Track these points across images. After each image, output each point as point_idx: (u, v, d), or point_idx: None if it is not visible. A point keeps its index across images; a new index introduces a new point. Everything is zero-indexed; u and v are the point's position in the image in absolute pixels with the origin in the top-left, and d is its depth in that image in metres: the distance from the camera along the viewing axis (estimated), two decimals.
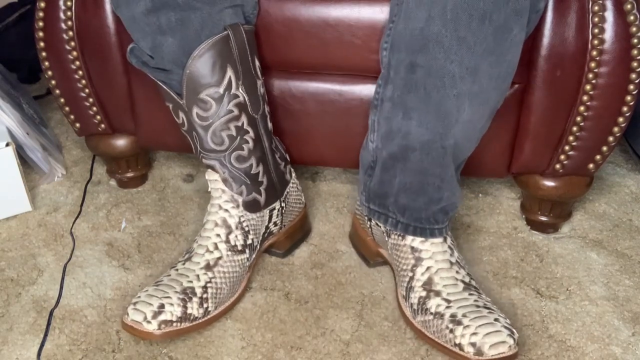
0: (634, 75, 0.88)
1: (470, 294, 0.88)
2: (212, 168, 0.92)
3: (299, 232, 1.06)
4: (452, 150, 0.84)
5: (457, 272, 0.90)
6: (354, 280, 1.00)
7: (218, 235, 0.92)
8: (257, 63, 0.91)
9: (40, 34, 1.02)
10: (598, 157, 0.97)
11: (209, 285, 0.89)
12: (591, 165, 0.99)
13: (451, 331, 0.84)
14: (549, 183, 1.03)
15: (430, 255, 0.91)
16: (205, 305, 0.89)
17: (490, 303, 0.88)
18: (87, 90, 1.06)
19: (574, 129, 0.94)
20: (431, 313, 0.87)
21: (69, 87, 1.06)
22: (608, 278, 1.00)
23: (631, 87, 0.89)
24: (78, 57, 1.03)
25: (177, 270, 0.91)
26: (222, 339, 0.90)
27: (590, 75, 0.90)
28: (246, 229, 0.94)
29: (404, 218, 0.91)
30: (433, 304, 0.87)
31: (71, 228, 1.11)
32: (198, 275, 0.90)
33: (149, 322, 0.85)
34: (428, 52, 0.78)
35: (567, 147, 0.97)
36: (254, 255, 0.97)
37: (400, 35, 0.81)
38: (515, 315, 0.93)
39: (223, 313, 0.92)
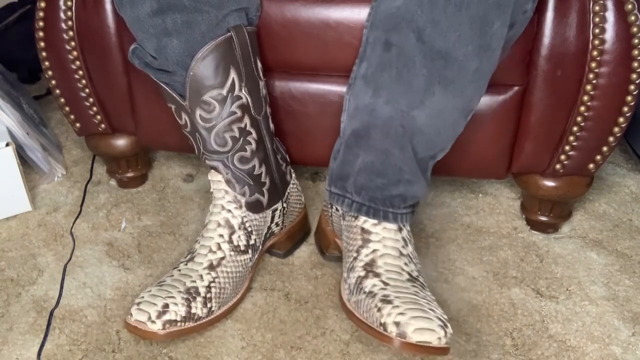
0: (634, 76, 0.88)
1: (412, 286, 0.84)
2: (215, 169, 0.92)
3: (300, 232, 1.06)
4: (413, 133, 0.83)
5: (405, 263, 0.86)
6: None
7: (221, 235, 0.92)
8: (259, 64, 0.91)
9: (40, 34, 1.02)
10: (598, 157, 0.97)
11: (212, 285, 0.89)
12: (591, 165, 0.99)
13: (379, 310, 0.79)
14: (549, 183, 1.03)
15: (380, 239, 0.88)
16: (209, 305, 0.89)
17: (432, 299, 0.83)
18: (87, 90, 1.06)
19: (575, 129, 0.94)
20: (364, 292, 0.83)
21: (69, 87, 1.06)
22: (608, 278, 1.00)
23: (632, 87, 0.89)
24: (78, 57, 1.03)
25: (179, 270, 0.91)
26: (222, 339, 0.90)
27: (591, 75, 0.90)
28: (249, 229, 0.94)
29: (359, 198, 0.89)
30: (369, 283, 0.84)
31: (71, 228, 1.11)
32: (201, 275, 0.90)
33: (153, 322, 0.84)
34: (402, 30, 0.79)
35: (567, 147, 0.97)
36: (256, 256, 0.97)
37: (380, 13, 0.82)
38: (515, 315, 0.94)
39: (226, 313, 0.92)
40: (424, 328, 0.76)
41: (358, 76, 0.85)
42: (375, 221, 0.89)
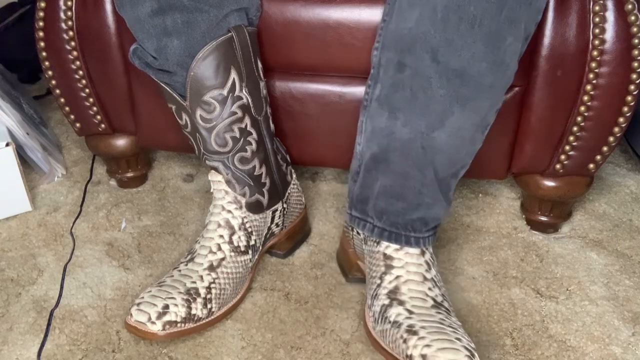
0: (634, 76, 0.88)
1: (437, 312, 0.83)
2: (216, 170, 0.92)
3: (300, 232, 1.06)
4: (434, 154, 0.82)
5: (429, 288, 0.85)
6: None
7: (221, 236, 0.92)
8: (259, 65, 0.91)
9: (40, 34, 1.02)
10: (598, 157, 0.97)
11: (212, 285, 0.90)
12: (591, 165, 0.99)
13: (405, 341, 0.79)
14: (549, 183, 1.03)
15: (403, 264, 0.87)
16: (209, 306, 0.89)
17: (459, 326, 0.82)
18: (87, 90, 1.06)
19: (575, 129, 0.94)
20: (389, 322, 0.83)
21: (69, 87, 1.06)
22: (608, 278, 1.00)
23: (632, 87, 0.89)
24: (78, 57, 1.03)
25: (180, 271, 0.91)
26: (222, 339, 0.90)
27: (591, 75, 0.90)
28: (249, 230, 0.94)
29: (380, 222, 0.88)
30: (394, 312, 0.83)
31: (71, 228, 1.11)
32: (202, 276, 0.90)
33: (153, 322, 0.85)
34: (415, 52, 0.78)
35: (567, 147, 0.97)
36: (256, 256, 0.97)
37: (391, 34, 0.81)
38: (515, 315, 0.94)
39: (226, 314, 0.92)
40: (452, 359, 0.76)
41: (373, 98, 0.84)
42: (397, 246, 0.88)
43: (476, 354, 0.78)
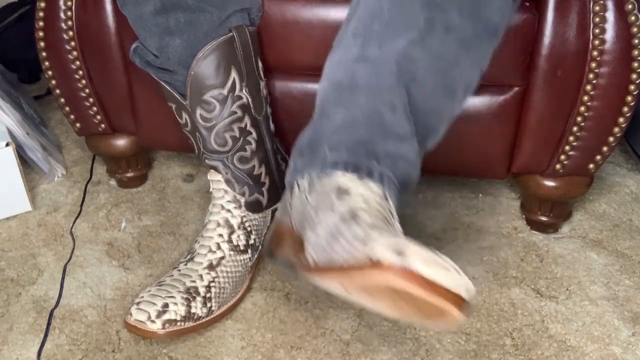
0: (634, 76, 0.88)
1: None
2: (215, 169, 0.92)
3: None
4: (410, 78, 0.69)
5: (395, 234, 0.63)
6: None
7: (220, 235, 0.92)
8: (260, 64, 0.91)
9: (40, 34, 1.02)
10: (598, 157, 0.97)
11: (212, 284, 0.90)
12: (591, 166, 0.99)
13: (364, 243, 0.59)
14: (549, 183, 1.03)
15: (360, 193, 0.65)
16: (208, 305, 0.89)
17: None
18: (87, 90, 1.06)
19: (575, 129, 0.94)
20: (343, 233, 0.62)
21: (69, 87, 1.06)
22: (608, 278, 1.00)
23: (632, 87, 0.89)
24: (78, 57, 1.03)
25: (179, 270, 0.91)
26: (222, 339, 0.90)
27: (591, 76, 0.90)
28: (248, 229, 0.94)
29: (335, 154, 0.69)
30: (351, 227, 0.62)
31: (71, 228, 1.11)
32: (201, 275, 0.90)
33: (153, 321, 0.85)
34: None
35: (567, 147, 0.97)
36: (256, 255, 0.97)
37: None
38: (515, 315, 0.94)
39: (226, 313, 0.92)
40: (436, 262, 0.57)
41: (347, 34, 0.74)
42: (354, 176, 0.67)
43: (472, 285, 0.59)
